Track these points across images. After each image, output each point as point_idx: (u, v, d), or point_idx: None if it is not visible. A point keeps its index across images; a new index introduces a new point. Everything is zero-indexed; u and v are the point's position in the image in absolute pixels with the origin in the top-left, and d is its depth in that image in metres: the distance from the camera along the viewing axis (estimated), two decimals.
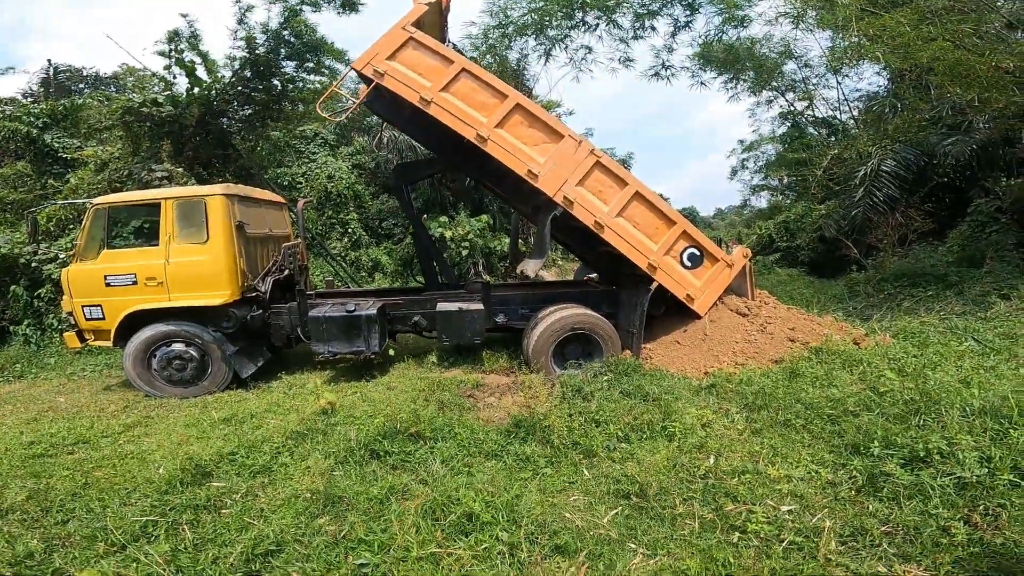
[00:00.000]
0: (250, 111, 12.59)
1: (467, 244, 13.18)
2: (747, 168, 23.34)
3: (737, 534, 2.96)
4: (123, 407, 6.03)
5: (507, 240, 14.49)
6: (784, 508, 3.11)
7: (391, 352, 6.87)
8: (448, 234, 13.04)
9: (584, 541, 2.94)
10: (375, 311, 6.25)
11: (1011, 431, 3.36)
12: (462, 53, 6.86)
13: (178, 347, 6.22)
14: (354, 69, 6.07)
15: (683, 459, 3.76)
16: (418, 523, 3.10)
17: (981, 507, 2.93)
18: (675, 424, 4.29)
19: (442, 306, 6.45)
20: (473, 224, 13.56)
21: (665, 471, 3.64)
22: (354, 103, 6.66)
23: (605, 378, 5.37)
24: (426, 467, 3.85)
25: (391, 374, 6.41)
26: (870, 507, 3.08)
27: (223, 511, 3.40)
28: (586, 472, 3.78)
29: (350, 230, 14.02)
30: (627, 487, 3.49)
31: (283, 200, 8.10)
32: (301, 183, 14.19)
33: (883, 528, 2.92)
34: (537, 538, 2.98)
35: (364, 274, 13.33)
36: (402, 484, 3.59)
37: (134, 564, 2.83)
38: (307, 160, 14.86)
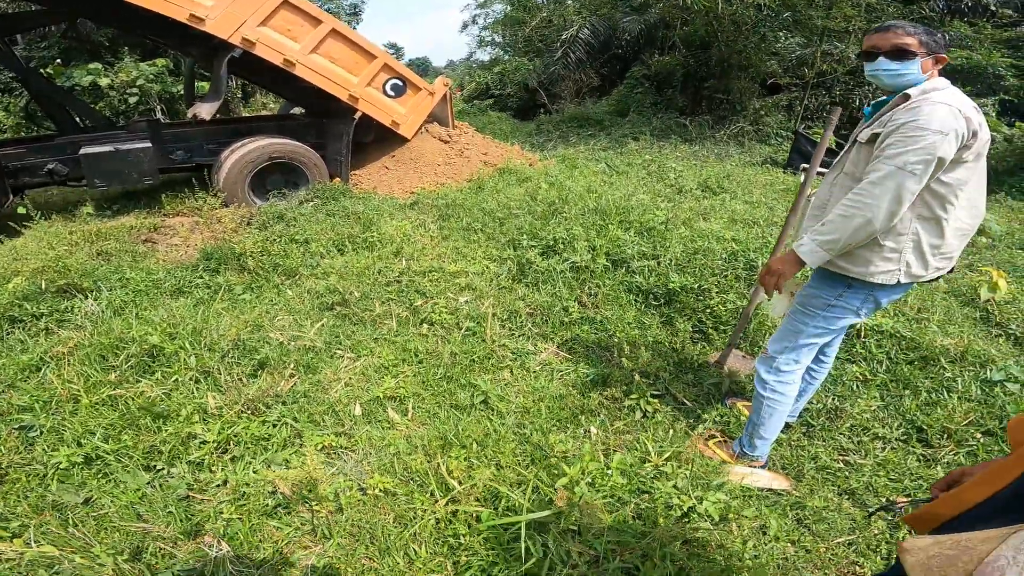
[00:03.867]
0: None
1: (136, 91, 11.30)
2: (477, 24, 24.46)
3: (426, 326, 3.45)
4: None
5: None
6: (462, 299, 3.73)
7: (21, 211, 5.26)
8: (105, 82, 10.97)
9: (290, 355, 3.03)
10: None
11: (609, 226, 4.62)
12: None
13: None
14: None
15: (380, 265, 4.12)
16: (86, 372, 2.77)
17: (587, 288, 3.84)
18: (375, 236, 4.60)
19: (89, 148, 5.35)
20: (143, 69, 11.48)
21: (365, 278, 3.95)
22: None
23: (311, 204, 5.37)
24: (93, 319, 3.33)
25: (25, 236, 4.96)
26: (519, 292, 3.86)
27: None
28: (289, 292, 3.83)
29: None
30: (330, 299, 3.69)
31: None
32: None
33: (528, 310, 3.65)
34: (238, 359, 2.98)
35: None
36: (62, 341, 3.06)
37: None
38: None
